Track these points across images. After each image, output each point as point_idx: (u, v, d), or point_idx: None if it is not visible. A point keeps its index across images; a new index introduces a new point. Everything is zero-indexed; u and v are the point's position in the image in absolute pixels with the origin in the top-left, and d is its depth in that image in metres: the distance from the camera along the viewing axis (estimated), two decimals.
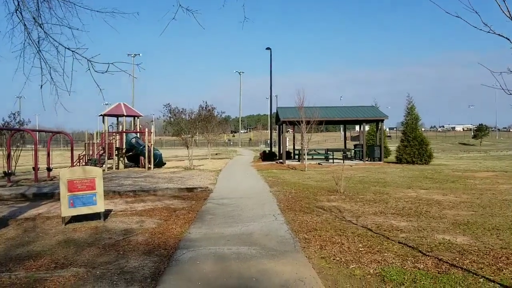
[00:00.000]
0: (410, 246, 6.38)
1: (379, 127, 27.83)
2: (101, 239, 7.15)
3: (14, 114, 21.18)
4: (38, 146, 20.83)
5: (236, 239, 6.87)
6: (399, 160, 25.52)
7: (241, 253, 5.98)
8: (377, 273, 5.14)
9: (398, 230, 7.50)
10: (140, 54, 74.07)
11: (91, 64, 5.29)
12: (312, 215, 8.90)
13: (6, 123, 21.05)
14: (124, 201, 11.80)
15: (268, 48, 34.83)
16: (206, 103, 26.83)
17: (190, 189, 13.43)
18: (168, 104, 23.65)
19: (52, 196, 12.61)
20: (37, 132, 22.68)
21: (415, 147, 25.10)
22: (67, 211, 8.34)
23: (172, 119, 23.78)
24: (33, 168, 17.56)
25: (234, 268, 5.31)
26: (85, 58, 5.27)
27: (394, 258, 5.74)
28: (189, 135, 24.64)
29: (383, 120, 27.25)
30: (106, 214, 9.55)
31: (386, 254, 5.97)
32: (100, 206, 8.69)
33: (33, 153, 17.33)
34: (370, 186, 13.90)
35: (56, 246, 6.67)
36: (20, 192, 13.24)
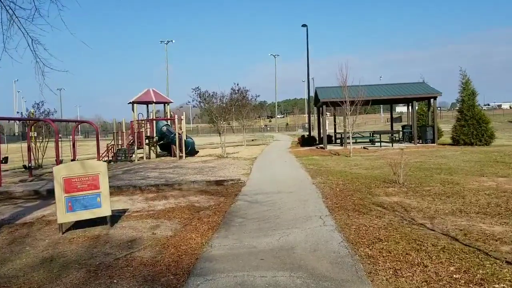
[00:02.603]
0: None
1: (431, 105, 25.05)
2: (97, 255, 5.50)
3: (38, 104, 20.15)
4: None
5: (272, 257, 5.02)
6: (455, 142, 22.77)
7: (280, 285, 4.12)
8: None
9: (496, 240, 5.42)
10: (173, 41, 73.21)
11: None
12: (370, 217, 6.91)
13: (30, 114, 20.08)
14: (145, 197, 10.23)
15: (304, 25, 32.44)
16: (238, 85, 24.93)
17: (219, 182, 11.69)
18: (197, 87, 21.90)
19: None
20: (60, 122, 21.63)
21: (473, 126, 22.28)
22: (64, 217, 6.76)
23: (202, 104, 22.11)
24: (56, 161, 16.36)
25: None
26: None
27: None
28: (221, 121, 22.87)
29: (436, 97, 24.39)
30: (118, 216, 7.99)
31: (497, 286, 3.95)
32: (105, 209, 7.07)
33: (54, 144, 16.11)
34: (433, 173, 11.65)
35: (36, 268, 5.07)
36: (34, 188, 11.96)
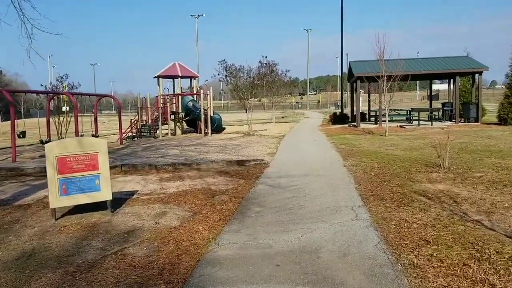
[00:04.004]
0: None
1: (476, 81, 23.05)
2: (84, 250, 4.66)
3: (62, 77, 19.64)
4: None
5: (291, 263, 4.01)
6: (502, 121, 20.84)
7: None
8: None
9: None
10: (204, 15, 71.98)
11: None
12: (413, 209, 5.76)
13: (54, 87, 19.64)
14: (159, 178, 9.42)
15: None
16: (266, 58, 23.67)
17: (241, 162, 10.71)
18: (224, 60, 20.83)
19: None
20: (81, 96, 21.12)
21: None
22: (58, 201, 5.97)
23: (228, 78, 21.08)
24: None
25: None
26: None
27: None
28: (248, 97, 21.80)
29: (482, 72, 22.33)
30: (124, 199, 7.20)
31: None
32: (105, 192, 6.23)
33: (74, 119, 15.56)
34: (482, 157, 10.25)
35: (9, 266, 4.27)
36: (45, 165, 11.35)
